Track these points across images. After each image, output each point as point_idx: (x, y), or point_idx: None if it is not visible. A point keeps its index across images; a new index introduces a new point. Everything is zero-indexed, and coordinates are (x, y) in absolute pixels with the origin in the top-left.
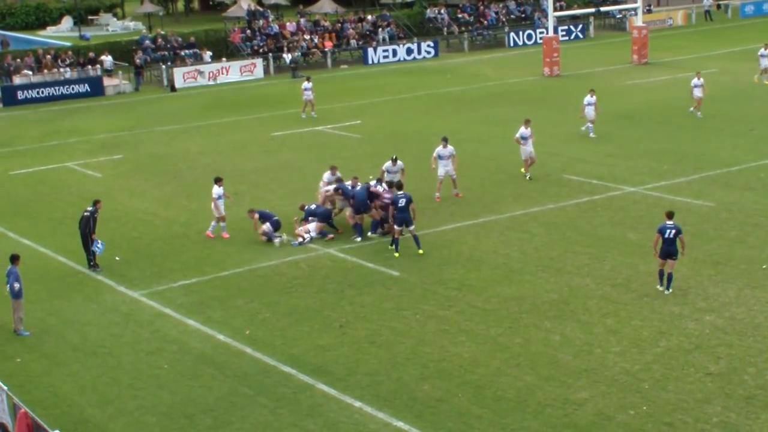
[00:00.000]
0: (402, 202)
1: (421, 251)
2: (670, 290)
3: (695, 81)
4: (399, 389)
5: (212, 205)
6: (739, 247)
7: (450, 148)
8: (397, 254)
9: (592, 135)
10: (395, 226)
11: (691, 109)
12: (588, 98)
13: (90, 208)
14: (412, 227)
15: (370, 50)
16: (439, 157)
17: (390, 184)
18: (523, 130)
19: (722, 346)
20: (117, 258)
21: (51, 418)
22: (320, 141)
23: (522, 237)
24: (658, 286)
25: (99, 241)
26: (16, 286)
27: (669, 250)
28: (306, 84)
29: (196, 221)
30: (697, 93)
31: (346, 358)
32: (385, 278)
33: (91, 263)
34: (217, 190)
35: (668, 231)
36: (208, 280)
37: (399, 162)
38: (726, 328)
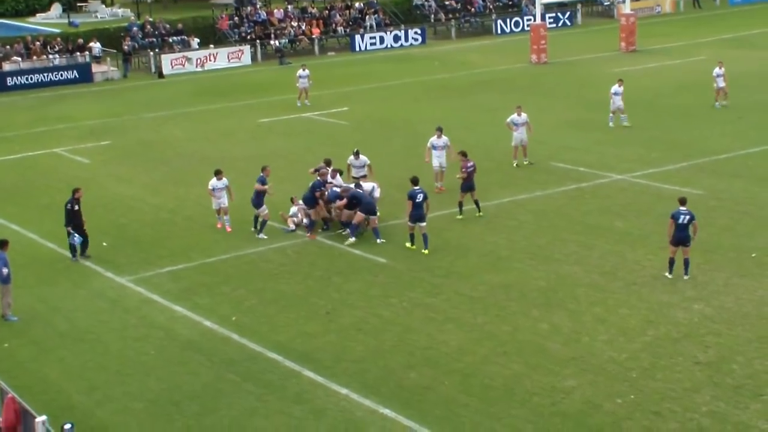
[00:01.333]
0: (419, 198)
1: (426, 251)
2: (688, 276)
3: (717, 71)
4: (386, 377)
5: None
6: (727, 235)
7: (444, 138)
8: (411, 246)
9: (626, 123)
10: (409, 222)
11: (717, 103)
12: (615, 88)
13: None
14: (424, 224)
15: (358, 37)
16: (433, 147)
17: (352, 179)
18: (514, 117)
19: (711, 335)
20: (104, 244)
21: (38, 404)
22: (308, 128)
23: (510, 224)
24: (667, 274)
25: (75, 235)
26: (5, 271)
27: (682, 236)
28: (301, 71)
29: (183, 208)
30: (720, 83)
31: (333, 345)
32: (372, 265)
33: (75, 257)
34: (212, 182)
35: (682, 217)
36: (195, 266)
37: (362, 156)
38: (714, 317)
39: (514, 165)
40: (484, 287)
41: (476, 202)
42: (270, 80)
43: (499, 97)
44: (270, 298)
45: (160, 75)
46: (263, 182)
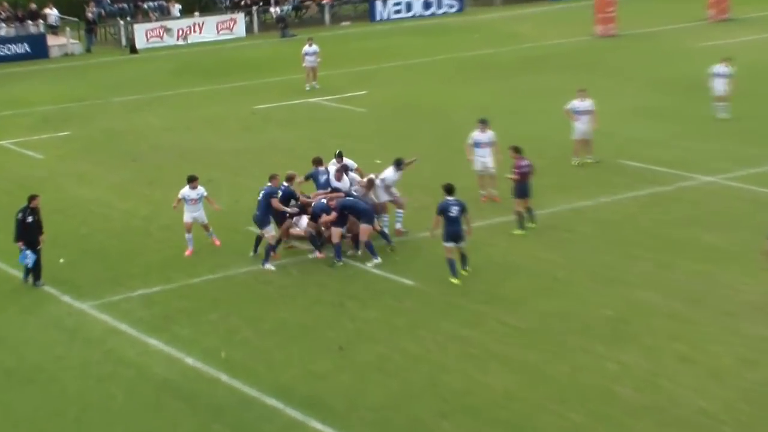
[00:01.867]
0: (454, 211)
1: (466, 271)
2: None
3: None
4: (412, 428)
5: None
6: None
7: (490, 133)
8: (456, 280)
9: (724, 114)
10: (445, 243)
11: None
12: (719, 68)
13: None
14: (463, 243)
15: (378, 3)
16: (476, 144)
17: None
18: (576, 103)
19: None
20: (61, 260)
21: None
22: (315, 116)
23: (568, 238)
24: None
25: (27, 251)
26: None
27: None
28: (307, 47)
29: (160, 215)
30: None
31: (347, 388)
32: (397, 288)
33: (26, 278)
34: (184, 190)
35: None
36: (175, 288)
37: (347, 159)
38: None
39: (575, 163)
40: (535, 316)
41: (529, 210)
42: (269, 57)
43: (555, 78)
44: (268, 329)
45: (133, 49)
46: (274, 194)
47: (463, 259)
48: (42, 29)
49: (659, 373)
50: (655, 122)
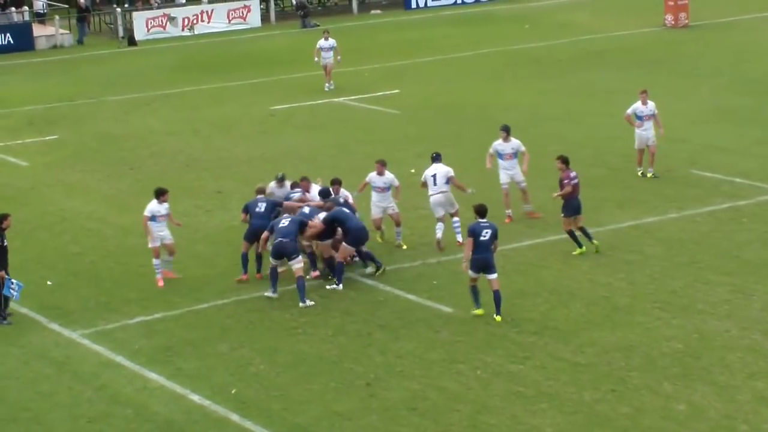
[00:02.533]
0: (486, 235)
1: (499, 317)
2: None
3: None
4: None
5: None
6: None
7: (514, 142)
8: (480, 311)
9: None
10: (471, 272)
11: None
12: None
13: None
14: (494, 276)
15: None
16: (498, 155)
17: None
18: (638, 106)
19: None
20: (49, 282)
21: None
22: (340, 118)
23: (631, 259)
24: None
25: (13, 281)
26: None
27: None
28: (323, 42)
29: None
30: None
31: (376, 430)
32: (433, 316)
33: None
34: (152, 206)
35: None
36: (179, 315)
37: (287, 183)
38: None
39: (639, 174)
40: (593, 350)
41: (583, 230)
42: (287, 50)
43: (618, 75)
44: (285, 362)
45: (131, 41)
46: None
47: (497, 301)
48: (27, 17)
49: (735, 415)
50: (734, 127)
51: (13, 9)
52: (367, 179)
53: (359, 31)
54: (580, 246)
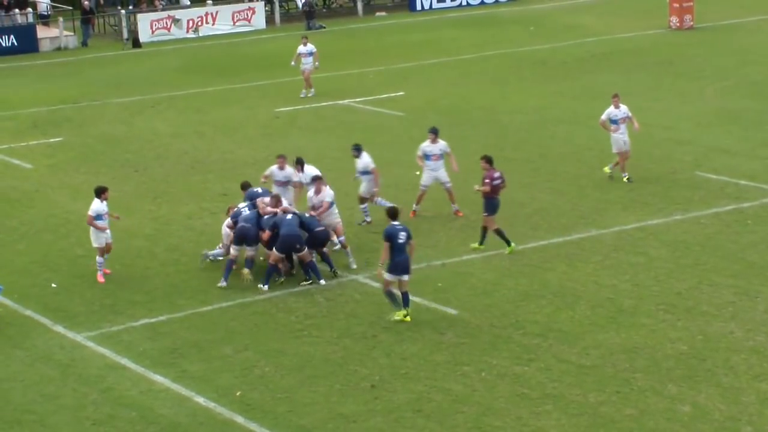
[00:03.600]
0: (402, 238)
1: (408, 317)
2: None
3: (612, 112)
4: None
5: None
6: None
7: (441, 143)
8: (402, 314)
9: None
10: (388, 275)
11: (608, 169)
12: None
13: None
14: (407, 277)
15: None
16: (426, 156)
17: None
18: (612, 110)
19: None
20: (53, 285)
21: None
22: (345, 120)
23: (636, 261)
24: None
25: None
26: None
27: None
28: (302, 48)
29: (166, 233)
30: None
31: None
32: (438, 318)
33: None
34: (96, 205)
35: None
36: (184, 317)
37: (288, 167)
38: None
39: (625, 180)
40: (598, 352)
41: (500, 232)
42: (292, 52)
43: (623, 77)
44: (290, 365)
45: (136, 43)
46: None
47: (405, 299)
48: (31, 19)
49: (740, 417)
50: (739, 129)
51: (17, 10)
52: (268, 172)
53: (364, 33)
54: (482, 243)
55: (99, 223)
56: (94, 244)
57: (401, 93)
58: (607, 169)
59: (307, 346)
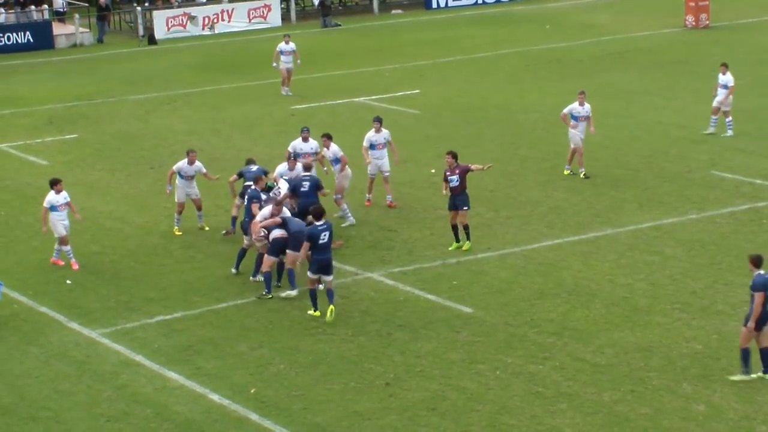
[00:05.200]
0: (325, 237)
1: (331, 316)
2: None
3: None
4: None
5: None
6: None
7: (385, 132)
8: (317, 313)
9: None
10: (311, 273)
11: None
12: None
13: None
14: (330, 277)
15: None
16: (371, 146)
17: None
18: (575, 106)
19: None
20: (68, 281)
21: None
22: (361, 118)
23: (651, 260)
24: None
25: None
26: None
27: None
28: (284, 46)
29: (181, 231)
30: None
31: (395, 430)
32: (453, 316)
33: None
34: (50, 197)
35: None
36: (198, 314)
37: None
38: None
39: (566, 172)
40: (612, 350)
41: (465, 228)
42: (308, 49)
43: (638, 76)
44: (305, 362)
45: (151, 40)
46: (257, 198)
47: (330, 296)
48: (47, 16)
49: (754, 416)
50: (755, 128)
51: (33, 7)
52: (175, 168)
53: (380, 31)
54: (457, 240)
55: (54, 214)
56: (55, 235)
57: (417, 91)
58: (566, 172)
59: (321, 343)
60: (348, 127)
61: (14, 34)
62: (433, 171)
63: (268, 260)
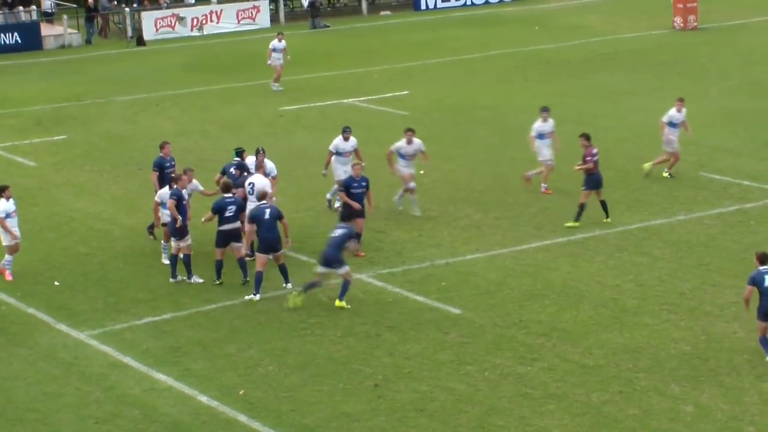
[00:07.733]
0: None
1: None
2: None
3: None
4: None
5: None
6: None
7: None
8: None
9: None
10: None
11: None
12: None
13: None
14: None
15: None
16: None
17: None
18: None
19: None
20: (56, 283)
21: None
22: (349, 119)
23: (639, 261)
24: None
25: None
26: None
27: None
28: (276, 43)
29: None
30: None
31: (383, 431)
32: (441, 318)
33: None
34: (3, 205)
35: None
36: (187, 316)
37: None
38: None
39: (664, 174)
40: (601, 352)
41: (603, 204)
42: (297, 50)
43: (627, 77)
44: (294, 363)
45: (140, 41)
46: (179, 197)
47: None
48: (35, 17)
49: (742, 417)
50: (743, 129)
51: (21, 8)
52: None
53: (369, 32)
54: (578, 219)
55: (9, 221)
56: (4, 243)
57: (406, 92)
58: (665, 174)
59: (310, 345)
60: (337, 128)
61: (2, 34)
62: (422, 172)
63: (261, 258)
